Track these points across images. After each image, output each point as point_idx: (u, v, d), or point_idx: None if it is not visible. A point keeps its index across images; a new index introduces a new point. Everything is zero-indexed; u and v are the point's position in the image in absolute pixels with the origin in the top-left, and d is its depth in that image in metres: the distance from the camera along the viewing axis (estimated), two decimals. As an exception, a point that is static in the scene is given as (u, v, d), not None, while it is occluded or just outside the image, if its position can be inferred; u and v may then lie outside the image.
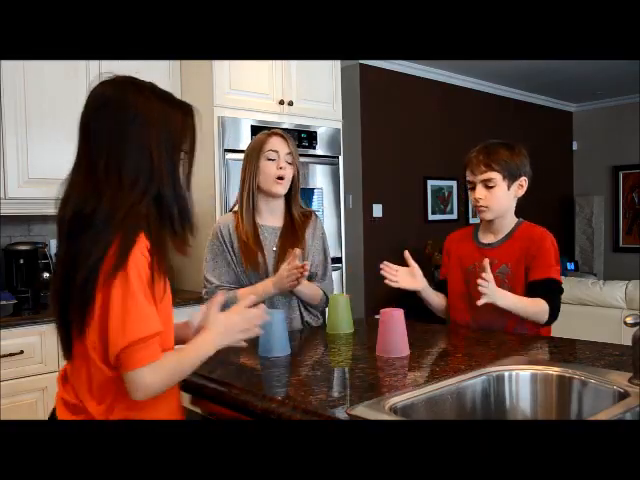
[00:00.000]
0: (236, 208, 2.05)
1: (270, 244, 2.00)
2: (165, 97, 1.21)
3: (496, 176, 1.87)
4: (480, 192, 1.89)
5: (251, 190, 1.97)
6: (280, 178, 1.96)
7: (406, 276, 1.96)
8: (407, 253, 1.99)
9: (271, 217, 2.03)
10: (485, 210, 1.91)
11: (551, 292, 1.85)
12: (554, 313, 1.84)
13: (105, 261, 1.08)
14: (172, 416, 1.24)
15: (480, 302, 1.75)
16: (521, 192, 1.93)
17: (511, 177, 1.88)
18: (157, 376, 1.10)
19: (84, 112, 1.17)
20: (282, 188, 1.98)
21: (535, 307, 1.83)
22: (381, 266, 1.93)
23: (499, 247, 1.93)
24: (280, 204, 2.05)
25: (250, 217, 1.98)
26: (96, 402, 1.15)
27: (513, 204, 1.95)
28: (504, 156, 1.87)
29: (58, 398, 1.23)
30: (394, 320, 1.56)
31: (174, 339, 1.26)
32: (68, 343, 1.18)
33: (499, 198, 1.89)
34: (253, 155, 1.97)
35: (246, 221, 1.97)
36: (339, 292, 3.64)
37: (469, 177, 1.93)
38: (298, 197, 2.07)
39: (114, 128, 1.13)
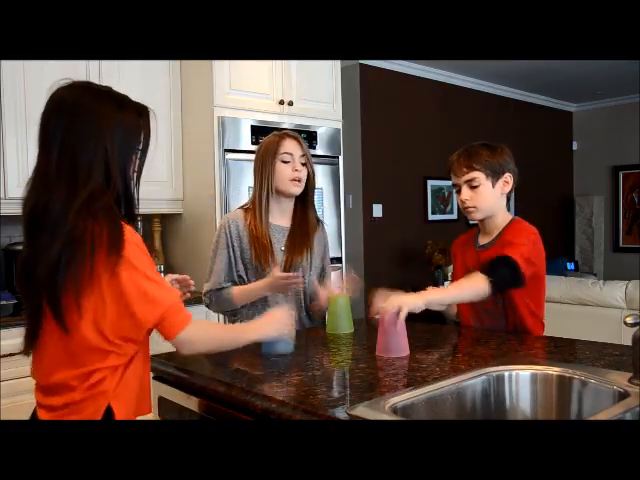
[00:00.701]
0: (247, 205, 2.07)
1: (278, 244, 2.02)
2: (119, 99, 1.26)
3: (478, 175, 1.86)
4: (465, 193, 1.89)
5: (267, 192, 2.00)
6: (297, 180, 1.99)
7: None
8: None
9: (281, 217, 2.06)
10: (473, 210, 1.90)
11: (497, 263, 1.73)
12: (496, 282, 1.69)
13: (93, 254, 1.14)
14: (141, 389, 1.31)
15: (400, 317, 1.57)
16: (507, 188, 1.92)
17: (494, 175, 1.88)
18: (200, 334, 1.29)
19: (42, 115, 1.22)
20: (299, 189, 2.01)
21: (467, 283, 1.73)
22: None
23: (490, 248, 1.91)
24: (291, 204, 2.08)
25: (265, 217, 2.01)
26: (77, 371, 1.20)
27: (502, 202, 1.93)
28: (485, 156, 1.87)
29: (38, 407, 1.28)
30: (394, 320, 1.56)
31: None
32: (35, 335, 1.24)
33: (485, 197, 1.88)
34: (267, 158, 1.99)
35: (261, 220, 2.00)
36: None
37: (453, 180, 1.93)
38: (314, 198, 2.10)
39: (68, 129, 1.19)
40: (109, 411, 1.20)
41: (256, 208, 2.01)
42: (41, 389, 1.26)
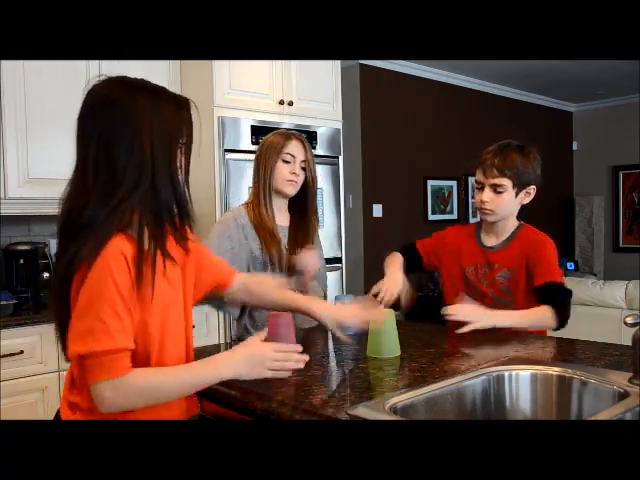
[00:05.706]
0: (249, 201, 2.07)
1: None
2: (156, 92, 1.19)
3: (507, 182, 1.86)
4: (488, 195, 1.88)
5: (267, 188, 2.00)
6: (293, 181, 2.00)
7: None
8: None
9: (279, 215, 2.06)
10: (489, 213, 1.90)
11: (558, 295, 1.81)
12: (562, 316, 1.78)
13: (81, 262, 1.08)
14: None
15: (464, 330, 1.72)
16: (527, 199, 1.93)
17: (520, 185, 1.88)
18: (118, 393, 1.08)
19: (79, 114, 1.18)
20: (293, 189, 2.02)
21: (538, 316, 1.79)
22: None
23: (501, 250, 1.92)
24: (286, 203, 2.08)
25: (271, 209, 2.01)
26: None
27: (517, 209, 1.95)
28: (517, 163, 1.86)
29: (63, 399, 1.22)
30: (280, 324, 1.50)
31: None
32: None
33: (505, 204, 1.88)
34: (271, 155, 2.00)
35: (267, 213, 2.00)
36: (338, 292, 3.62)
37: (479, 177, 1.91)
38: (315, 203, 2.09)
39: (103, 126, 1.13)
40: None
41: (260, 203, 2.00)
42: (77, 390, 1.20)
